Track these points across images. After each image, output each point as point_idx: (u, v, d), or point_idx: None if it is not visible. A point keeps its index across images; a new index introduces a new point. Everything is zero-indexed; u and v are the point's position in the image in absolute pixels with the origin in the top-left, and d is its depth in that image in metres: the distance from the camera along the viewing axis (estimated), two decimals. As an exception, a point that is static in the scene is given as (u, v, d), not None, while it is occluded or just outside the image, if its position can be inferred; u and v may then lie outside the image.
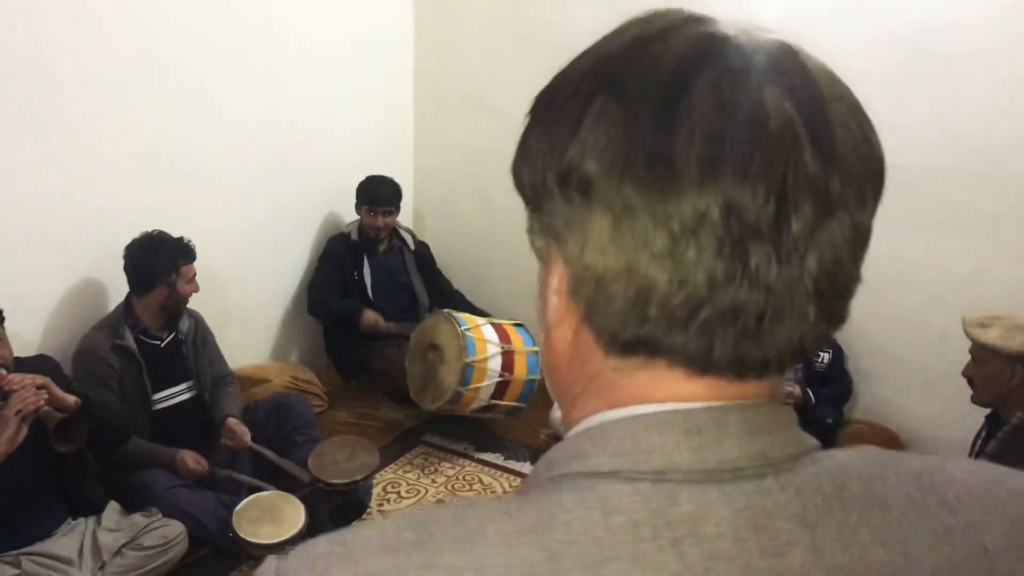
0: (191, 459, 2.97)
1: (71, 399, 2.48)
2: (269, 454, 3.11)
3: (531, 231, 0.61)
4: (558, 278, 0.56)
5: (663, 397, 0.52)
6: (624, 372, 0.54)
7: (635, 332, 0.51)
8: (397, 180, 4.12)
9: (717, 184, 0.48)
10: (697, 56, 0.51)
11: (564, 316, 0.56)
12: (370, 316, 3.90)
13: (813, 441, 0.55)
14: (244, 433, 3.11)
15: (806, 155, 0.50)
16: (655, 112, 0.49)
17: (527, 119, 0.64)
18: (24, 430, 2.35)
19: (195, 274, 3.08)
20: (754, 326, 0.50)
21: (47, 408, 2.41)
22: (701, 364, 0.51)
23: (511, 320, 3.98)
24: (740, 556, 0.49)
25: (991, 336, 2.15)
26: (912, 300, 3.66)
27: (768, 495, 0.50)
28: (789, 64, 0.56)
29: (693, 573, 0.48)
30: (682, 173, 0.48)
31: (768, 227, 0.49)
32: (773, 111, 0.50)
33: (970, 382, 2.27)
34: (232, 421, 3.14)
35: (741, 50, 0.53)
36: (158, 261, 2.97)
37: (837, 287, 0.55)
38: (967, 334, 2.22)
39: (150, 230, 3.04)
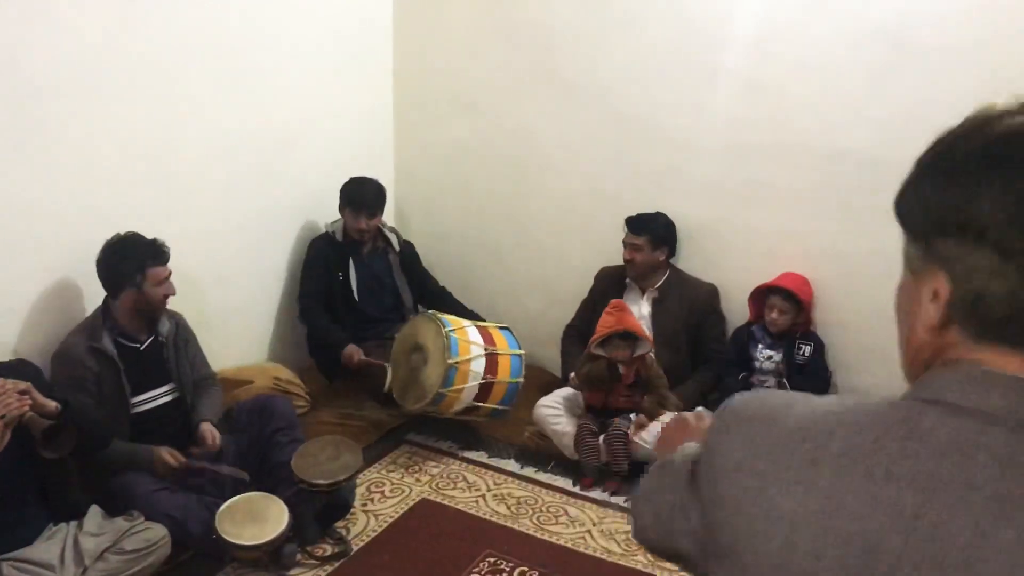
0: (167, 454, 2.95)
1: (52, 404, 2.47)
2: (227, 470, 3.08)
3: (910, 253, 0.84)
4: (935, 290, 0.79)
5: (1001, 364, 0.76)
6: (974, 350, 0.78)
7: (999, 332, 0.76)
8: (379, 180, 4.11)
9: None
10: None
11: (934, 315, 0.80)
12: (349, 351, 3.89)
13: None
14: (214, 445, 3.09)
15: None
16: None
17: (917, 171, 0.87)
18: (7, 436, 2.33)
19: (167, 276, 3.02)
20: None
21: (31, 414, 2.40)
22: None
23: (497, 323, 3.98)
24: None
25: None
26: (891, 293, 3.66)
27: None
28: None
29: (991, 472, 0.71)
30: None
31: None
32: None
33: None
34: (205, 427, 3.11)
35: None
36: (124, 262, 2.94)
37: None
38: None
39: (122, 231, 3.01)
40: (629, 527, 3.29)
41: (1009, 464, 0.71)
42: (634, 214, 3.95)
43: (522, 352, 3.84)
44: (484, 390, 3.66)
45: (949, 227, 0.77)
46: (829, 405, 0.83)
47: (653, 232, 3.91)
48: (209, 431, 3.10)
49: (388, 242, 4.24)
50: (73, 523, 2.69)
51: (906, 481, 0.73)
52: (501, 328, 3.91)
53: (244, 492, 2.99)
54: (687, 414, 1.35)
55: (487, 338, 3.75)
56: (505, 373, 3.72)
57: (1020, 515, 0.69)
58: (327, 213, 4.18)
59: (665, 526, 0.98)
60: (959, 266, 0.76)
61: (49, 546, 2.59)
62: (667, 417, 3.68)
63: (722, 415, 0.90)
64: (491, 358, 3.68)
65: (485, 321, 4.01)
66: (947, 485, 0.72)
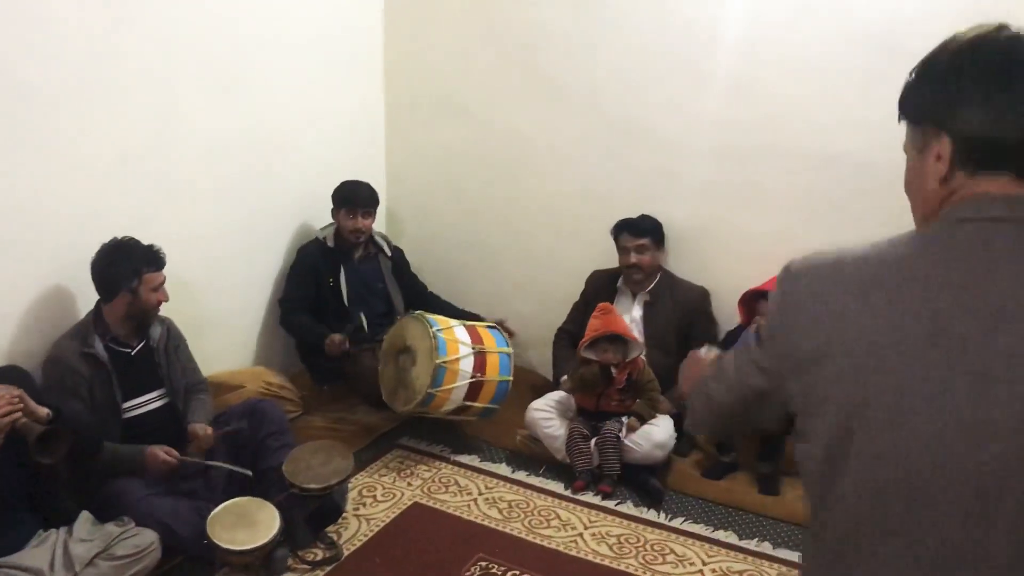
0: (161, 451, 2.93)
1: (43, 411, 2.47)
2: (230, 466, 3.08)
3: (914, 137, 1.17)
4: (937, 153, 1.11)
5: (996, 190, 1.08)
6: (973, 185, 1.09)
7: (995, 159, 1.07)
8: (370, 183, 4.11)
9: (1014, 88, 1.05)
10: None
11: (942, 169, 1.11)
12: (334, 339, 3.87)
13: None
14: (207, 438, 3.08)
15: None
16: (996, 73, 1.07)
17: (914, 76, 1.20)
18: (0, 441, 2.34)
19: (162, 282, 3.03)
20: None
21: (24, 420, 2.40)
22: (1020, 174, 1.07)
23: (485, 323, 3.98)
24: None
25: None
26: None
27: None
28: None
29: (994, 262, 1.03)
30: (1009, 94, 1.06)
31: None
32: None
33: None
34: (195, 426, 3.11)
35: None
36: (121, 267, 2.94)
37: None
38: None
39: (120, 236, 3.00)
40: (621, 531, 3.30)
41: (1017, 244, 1.05)
42: (621, 219, 3.97)
43: (511, 350, 3.84)
44: (474, 389, 3.66)
45: (942, 111, 1.11)
46: (870, 248, 1.15)
47: (652, 231, 3.94)
48: (200, 427, 3.10)
49: (379, 248, 4.24)
50: (63, 529, 2.67)
51: (947, 281, 1.05)
52: (489, 327, 3.91)
53: (246, 490, 2.99)
54: (698, 351, 1.66)
55: (475, 337, 3.75)
56: (494, 371, 3.71)
57: None
58: (319, 216, 4.18)
59: (736, 388, 1.30)
60: (959, 122, 1.09)
61: (39, 552, 2.57)
62: (659, 420, 3.69)
63: (789, 270, 1.20)
64: (480, 356, 3.68)
65: (475, 321, 4.00)
66: (974, 271, 1.05)
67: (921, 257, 1.09)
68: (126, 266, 2.94)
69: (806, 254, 1.19)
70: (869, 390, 1.07)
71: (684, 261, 4.09)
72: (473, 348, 3.68)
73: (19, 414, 2.38)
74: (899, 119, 1.20)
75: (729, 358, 1.37)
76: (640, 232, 3.92)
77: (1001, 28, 1.10)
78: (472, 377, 3.62)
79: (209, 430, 3.11)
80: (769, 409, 1.28)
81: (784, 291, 1.20)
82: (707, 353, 1.64)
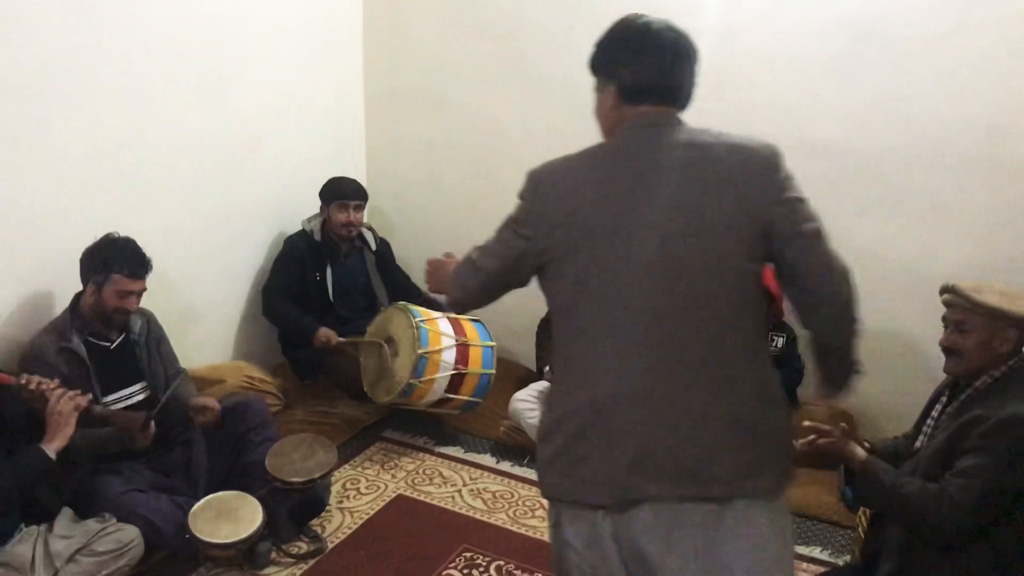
0: (129, 418, 2.91)
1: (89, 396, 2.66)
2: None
3: (598, 83, 1.83)
4: (612, 92, 1.77)
5: (644, 112, 1.74)
6: (635, 109, 1.75)
7: (641, 95, 1.74)
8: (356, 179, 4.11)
9: (646, 54, 1.77)
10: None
11: (613, 102, 1.77)
12: (322, 334, 3.85)
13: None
14: (215, 406, 3.12)
15: None
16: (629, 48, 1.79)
17: (596, 45, 1.85)
18: (72, 428, 2.56)
19: (134, 292, 2.94)
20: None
21: (104, 408, 2.82)
22: (662, 102, 1.75)
23: (469, 316, 3.97)
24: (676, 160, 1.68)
25: (991, 299, 2.15)
26: (861, 283, 3.63)
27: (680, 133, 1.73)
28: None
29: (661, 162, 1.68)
30: (642, 57, 1.76)
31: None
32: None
33: (949, 352, 2.27)
34: (196, 400, 3.12)
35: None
36: (97, 258, 2.90)
37: None
38: (965, 297, 2.20)
39: (121, 234, 2.98)
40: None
41: (661, 134, 1.70)
42: None
43: (494, 344, 3.83)
44: (455, 381, 3.65)
45: (610, 68, 1.78)
46: (585, 150, 1.77)
47: None
48: (206, 400, 3.14)
49: (365, 241, 4.22)
50: (44, 525, 2.66)
51: (622, 164, 1.70)
52: (473, 321, 3.90)
53: (229, 485, 3.00)
54: (436, 257, 2.24)
55: (458, 329, 3.74)
56: (476, 364, 3.71)
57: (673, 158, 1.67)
58: (298, 210, 4.15)
59: (502, 255, 1.80)
60: (619, 75, 1.76)
61: (19, 549, 2.56)
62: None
63: (534, 172, 1.78)
64: (462, 348, 3.67)
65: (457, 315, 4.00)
66: (637, 156, 1.69)
67: (618, 148, 1.74)
68: (101, 260, 2.89)
69: (543, 165, 1.78)
70: (599, 233, 1.65)
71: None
72: (456, 340, 3.67)
73: (88, 398, 2.62)
74: (590, 72, 1.84)
75: (488, 241, 1.86)
76: None
77: (639, 16, 1.83)
78: (454, 369, 3.61)
79: (216, 403, 3.13)
80: (525, 267, 1.77)
81: (535, 182, 1.76)
82: (447, 258, 2.18)
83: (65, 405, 2.53)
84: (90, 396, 2.64)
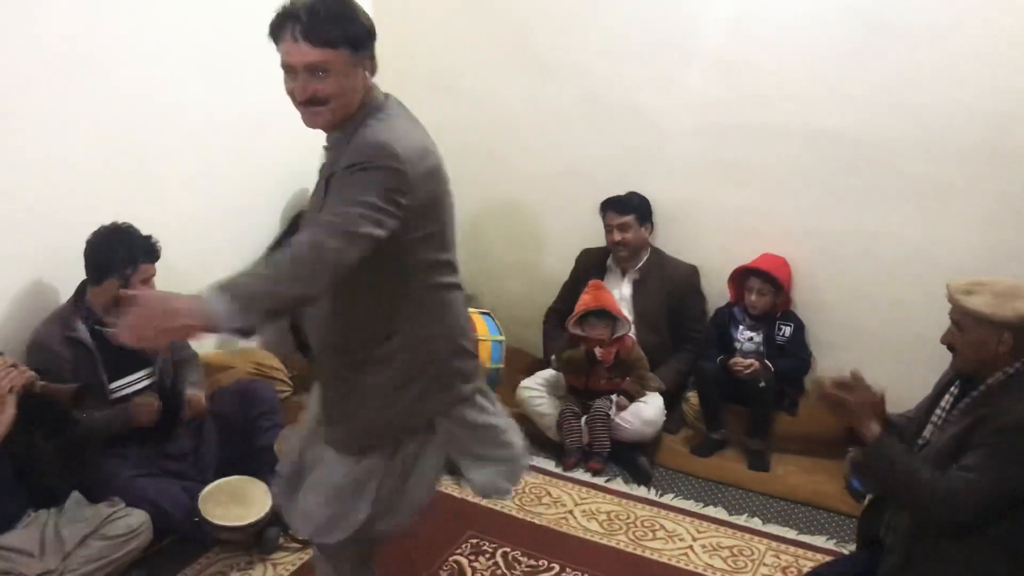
0: (139, 399, 2.97)
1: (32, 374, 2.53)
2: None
3: (351, 61, 1.90)
4: (367, 67, 1.95)
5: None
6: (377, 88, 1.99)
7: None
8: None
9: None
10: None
11: (368, 80, 1.97)
12: None
13: None
14: (199, 406, 3.13)
15: None
16: None
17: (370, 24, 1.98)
18: (13, 408, 2.39)
19: (153, 275, 2.99)
20: None
21: (43, 383, 2.52)
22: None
23: (479, 309, 3.98)
24: None
25: (979, 303, 2.14)
26: (869, 270, 3.71)
27: None
28: None
29: None
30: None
31: None
32: None
33: (951, 348, 2.26)
34: (194, 393, 3.14)
35: None
36: (118, 252, 2.91)
37: None
38: (953, 301, 2.20)
39: (120, 221, 2.98)
40: (611, 507, 3.32)
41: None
42: (607, 197, 3.96)
43: (502, 338, 3.84)
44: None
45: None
46: (404, 124, 2.01)
47: (637, 208, 3.92)
48: (196, 397, 3.14)
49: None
50: (53, 510, 2.68)
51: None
52: (482, 313, 3.91)
53: (238, 470, 3.02)
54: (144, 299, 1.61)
55: (468, 323, 3.75)
56: (485, 358, 3.72)
57: None
58: (307, 195, 4.16)
59: (358, 239, 1.71)
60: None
61: (28, 533, 2.59)
62: (649, 398, 3.70)
63: (399, 157, 1.82)
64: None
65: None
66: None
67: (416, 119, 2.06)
68: (123, 252, 2.91)
69: (392, 147, 1.82)
70: (447, 194, 2.06)
71: (672, 238, 4.08)
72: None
73: (30, 375, 2.48)
74: (344, 49, 1.86)
75: (330, 218, 1.75)
76: (624, 210, 3.91)
77: None
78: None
79: (202, 397, 3.15)
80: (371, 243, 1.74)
81: (408, 166, 1.82)
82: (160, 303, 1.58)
83: (1, 388, 2.40)
84: (30, 375, 2.50)
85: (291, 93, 1.95)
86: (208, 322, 1.55)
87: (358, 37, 1.89)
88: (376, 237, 1.74)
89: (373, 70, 1.97)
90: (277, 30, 1.90)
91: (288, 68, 1.93)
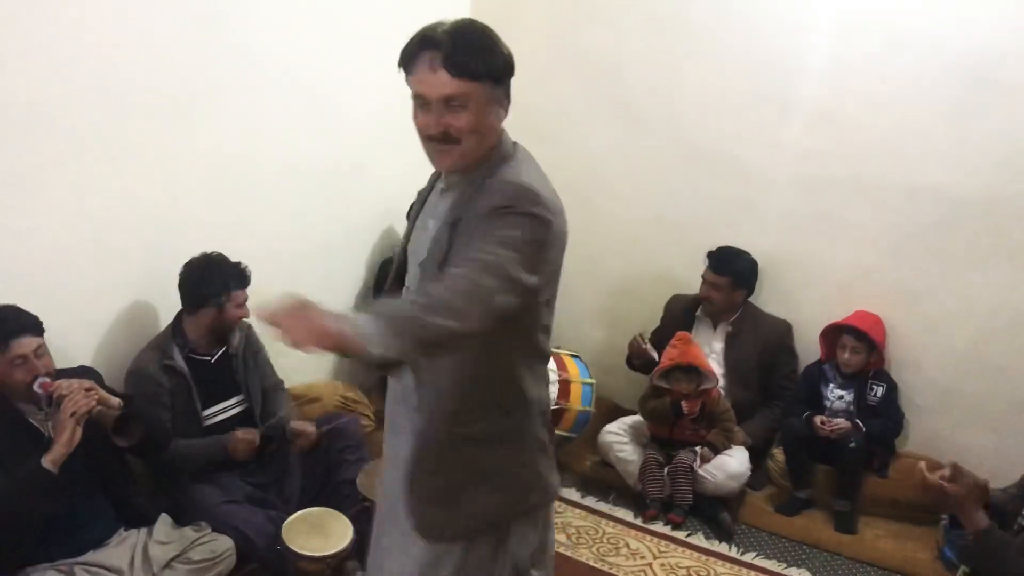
0: (241, 433, 3.04)
1: (116, 400, 2.57)
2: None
3: (494, 95, 1.79)
4: (502, 106, 1.82)
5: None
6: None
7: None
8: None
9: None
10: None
11: (503, 117, 1.83)
12: None
13: None
14: (311, 433, 3.19)
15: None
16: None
17: (510, 56, 1.84)
18: (79, 433, 2.43)
19: (246, 299, 3.10)
20: None
21: (100, 408, 2.50)
22: None
23: (569, 351, 3.97)
24: None
25: None
26: (969, 333, 3.59)
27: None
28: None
29: None
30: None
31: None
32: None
33: None
34: (295, 425, 3.20)
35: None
36: (211, 282, 3.02)
37: None
38: None
39: (210, 251, 3.09)
40: (691, 563, 3.25)
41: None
42: (716, 248, 3.90)
43: (593, 381, 3.82)
44: (556, 416, 3.65)
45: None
46: (540, 175, 1.89)
47: (736, 274, 3.84)
48: (302, 426, 3.20)
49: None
50: (143, 530, 2.76)
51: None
52: (573, 356, 3.90)
53: (320, 501, 3.06)
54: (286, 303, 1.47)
55: (560, 365, 3.75)
56: (577, 401, 3.71)
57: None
58: (398, 235, 4.23)
59: (513, 286, 1.58)
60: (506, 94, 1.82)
61: (119, 551, 2.67)
62: (735, 451, 3.64)
63: (549, 207, 1.76)
64: (564, 384, 3.68)
65: (557, 348, 4.00)
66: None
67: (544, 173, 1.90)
68: (216, 281, 3.02)
69: (540, 194, 1.74)
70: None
71: (764, 291, 4.02)
72: (559, 376, 3.68)
73: (94, 404, 2.47)
74: (485, 82, 1.72)
75: (481, 256, 1.58)
76: (721, 270, 3.84)
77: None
78: (556, 404, 3.61)
79: (312, 428, 3.20)
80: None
81: (553, 218, 1.73)
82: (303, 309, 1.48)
83: (64, 412, 2.42)
84: (93, 404, 2.48)
85: (421, 127, 1.76)
86: (357, 340, 1.41)
87: (500, 70, 1.74)
88: (527, 286, 1.60)
89: (507, 109, 1.81)
90: (412, 58, 1.72)
91: (421, 100, 1.75)
